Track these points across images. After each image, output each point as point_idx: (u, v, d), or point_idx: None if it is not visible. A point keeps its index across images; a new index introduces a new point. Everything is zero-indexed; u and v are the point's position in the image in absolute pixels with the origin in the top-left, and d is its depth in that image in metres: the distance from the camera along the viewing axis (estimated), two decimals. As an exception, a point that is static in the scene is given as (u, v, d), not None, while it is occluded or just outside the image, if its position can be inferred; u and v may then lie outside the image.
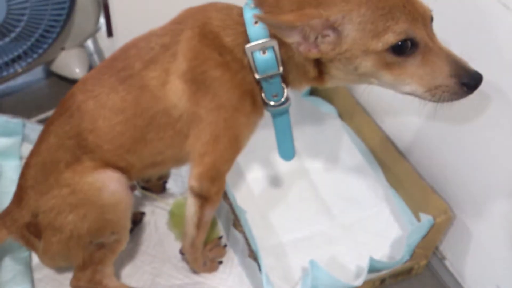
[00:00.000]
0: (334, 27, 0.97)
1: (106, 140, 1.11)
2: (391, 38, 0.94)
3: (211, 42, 1.07)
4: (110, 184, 1.12)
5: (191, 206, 1.19)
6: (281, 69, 1.07)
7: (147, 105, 1.09)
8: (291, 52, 1.05)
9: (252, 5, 1.06)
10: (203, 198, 1.17)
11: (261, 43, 1.04)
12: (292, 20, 0.95)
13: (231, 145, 1.13)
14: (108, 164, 1.13)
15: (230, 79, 1.07)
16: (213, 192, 1.16)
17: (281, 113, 1.18)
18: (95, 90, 1.11)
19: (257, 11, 1.05)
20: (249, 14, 1.05)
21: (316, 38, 0.98)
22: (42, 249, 1.17)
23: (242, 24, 1.06)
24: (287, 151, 1.26)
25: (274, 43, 1.04)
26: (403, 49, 0.96)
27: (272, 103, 1.12)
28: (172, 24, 1.13)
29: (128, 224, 1.18)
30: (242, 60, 1.07)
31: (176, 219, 1.43)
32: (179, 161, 1.21)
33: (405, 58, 0.97)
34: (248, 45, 1.05)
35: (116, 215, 1.14)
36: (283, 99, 1.13)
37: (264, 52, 1.05)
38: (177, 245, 1.38)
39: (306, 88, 1.14)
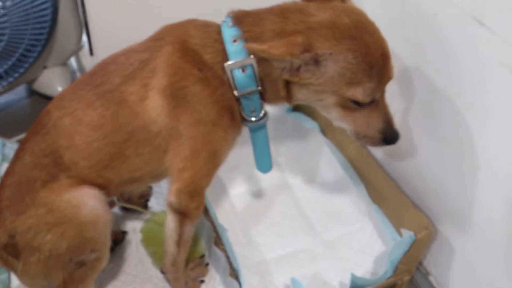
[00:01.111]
0: (317, 60, 1.01)
1: (83, 157, 1.10)
2: (360, 93, 1.04)
3: (191, 58, 1.07)
4: (88, 201, 1.10)
5: (170, 222, 1.18)
6: (259, 86, 1.08)
7: (125, 120, 1.08)
8: (268, 70, 1.07)
9: (230, 23, 1.08)
10: (182, 214, 1.16)
11: (240, 61, 1.05)
12: (283, 53, 0.98)
13: (210, 160, 1.13)
14: (85, 181, 1.12)
15: (209, 95, 1.08)
16: (192, 208, 1.15)
17: (259, 127, 1.19)
18: (72, 106, 1.10)
19: (235, 29, 1.06)
20: (228, 32, 1.07)
21: (300, 66, 1.02)
22: (21, 270, 1.15)
23: (221, 42, 1.07)
24: (265, 164, 1.28)
25: (253, 61, 1.06)
26: (363, 103, 1.07)
27: (251, 118, 1.13)
28: (151, 41, 1.13)
29: (108, 241, 1.16)
30: (221, 77, 1.08)
31: (147, 236, 1.42)
32: (157, 176, 1.20)
33: (358, 107, 1.08)
34: (227, 63, 1.06)
35: (95, 233, 1.12)
36: (261, 115, 1.14)
37: (243, 70, 1.06)
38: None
39: (281, 103, 1.15)
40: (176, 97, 1.07)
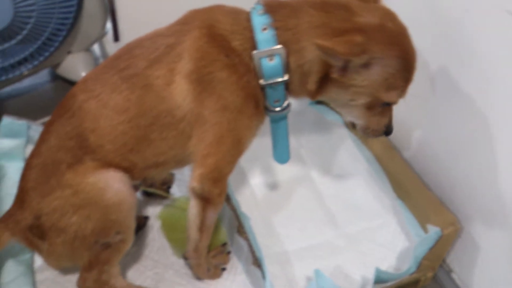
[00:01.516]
0: (369, 63, 1.02)
1: (108, 140, 1.10)
2: (395, 97, 1.09)
3: (218, 44, 1.07)
4: (113, 184, 1.10)
5: (193, 208, 1.17)
6: (286, 76, 1.08)
7: (150, 104, 1.08)
8: (300, 62, 1.06)
9: (260, 11, 1.07)
10: (205, 200, 1.15)
11: (269, 50, 1.05)
12: (347, 52, 0.98)
13: (234, 146, 1.12)
14: (110, 165, 1.12)
15: (236, 81, 1.07)
16: (215, 194, 1.15)
17: (280, 118, 1.19)
18: (97, 90, 1.10)
19: (266, 18, 1.06)
20: (258, 20, 1.06)
21: (349, 66, 1.02)
22: (46, 251, 1.15)
23: (250, 29, 1.07)
24: (283, 155, 1.28)
25: (282, 51, 1.05)
26: (392, 104, 1.13)
27: (274, 108, 1.13)
28: (178, 25, 1.12)
29: (133, 224, 1.16)
30: (248, 64, 1.07)
31: (167, 222, 1.43)
32: (181, 162, 1.19)
33: (383, 107, 1.12)
34: (255, 51, 1.05)
35: (121, 215, 1.12)
36: (284, 105, 1.14)
37: (271, 59, 1.05)
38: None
39: (303, 97, 1.14)
40: (202, 82, 1.06)
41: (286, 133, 1.23)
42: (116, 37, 1.81)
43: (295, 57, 1.06)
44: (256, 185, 1.58)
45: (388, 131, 1.20)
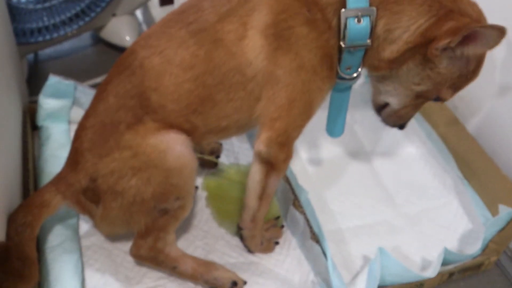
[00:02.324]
0: (462, 54, 0.99)
1: (171, 100, 1.03)
2: (449, 96, 1.08)
3: None
4: (175, 146, 1.04)
5: (255, 173, 1.11)
6: (369, 41, 1.00)
7: (220, 61, 1.01)
8: (394, 26, 0.99)
9: None
10: (269, 165, 1.09)
11: (360, 9, 0.97)
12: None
13: (305, 110, 1.06)
14: (171, 126, 1.05)
15: (315, 38, 1.00)
16: (281, 159, 1.08)
17: (345, 88, 1.12)
18: (161, 45, 1.03)
19: None
20: None
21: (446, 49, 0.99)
22: (100, 215, 1.10)
23: None
24: (337, 128, 1.22)
25: (373, 13, 0.98)
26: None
27: (344, 75, 1.06)
28: None
29: (192, 190, 1.10)
30: (330, 21, 0.99)
31: (213, 191, 1.39)
32: (242, 127, 1.13)
33: (425, 100, 1.12)
34: (344, 10, 0.97)
35: (182, 180, 1.06)
36: (356, 74, 1.06)
37: (359, 21, 0.98)
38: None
39: (371, 68, 1.08)
40: (279, 37, 0.99)
41: (346, 106, 1.17)
42: (165, 1, 1.74)
43: (387, 20, 0.98)
44: (307, 159, 1.52)
45: (403, 125, 1.20)
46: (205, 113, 1.06)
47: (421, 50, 1.00)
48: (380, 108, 1.19)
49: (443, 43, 0.96)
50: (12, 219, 1.07)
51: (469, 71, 1.03)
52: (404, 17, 0.97)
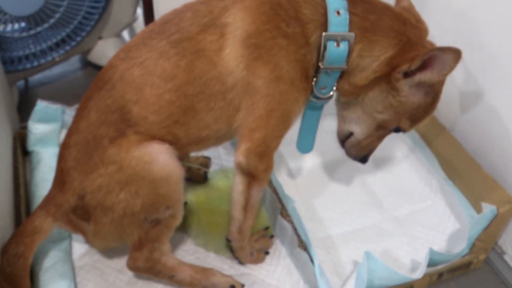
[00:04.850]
0: (423, 84, 1.05)
1: (152, 111, 1.05)
2: (408, 127, 1.14)
3: (283, 12, 1.02)
4: (159, 156, 1.05)
5: (237, 185, 1.13)
6: (345, 65, 1.04)
7: (201, 70, 1.03)
8: (367, 53, 1.04)
9: None
10: (250, 176, 1.11)
11: (340, 34, 1.02)
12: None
13: (283, 121, 1.08)
14: (153, 138, 1.07)
15: (294, 51, 1.03)
16: (261, 169, 1.10)
17: (317, 107, 1.16)
18: (141, 56, 1.04)
19: (342, 2, 1.03)
20: (334, 2, 1.02)
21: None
22: (92, 232, 1.11)
23: (324, 6, 1.03)
24: (307, 145, 1.26)
25: (352, 38, 1.02)
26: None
27: (318, 94, 1.10)
28: None
29: (182, 198, 1.11)
30: (309, 37, 1.03)
31: (202, 207, 1.41)
32: (221, 138, 1.15)
33: (385, 131, 1.17)
34: (325, 33, 1.02)
35: (170, 188, 1.07)
36: (330, 94, 1.11)
37: (338, 44, 1.02)
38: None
39: (341, 91, 1.12)
40: (259, 48, 1.01)
41: (317, 123, 1.21)
42: (149, 22, 1.77)
43: (362, 47, 1.03)
44: (294, 168, 1.54)
45: (366, 157, 1.23)
46: (186, 124, 1.07)
47: (386, 78, 1.05)
48: (344, 139, 1.22)
49: (404, 67, 1.01)
50: (4, 250, 1.09)
51: (427, 103, 1.08)
52: (377, 47, 1.02)
